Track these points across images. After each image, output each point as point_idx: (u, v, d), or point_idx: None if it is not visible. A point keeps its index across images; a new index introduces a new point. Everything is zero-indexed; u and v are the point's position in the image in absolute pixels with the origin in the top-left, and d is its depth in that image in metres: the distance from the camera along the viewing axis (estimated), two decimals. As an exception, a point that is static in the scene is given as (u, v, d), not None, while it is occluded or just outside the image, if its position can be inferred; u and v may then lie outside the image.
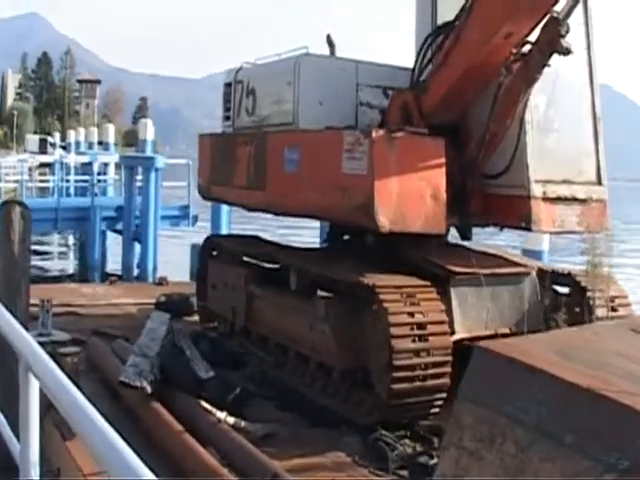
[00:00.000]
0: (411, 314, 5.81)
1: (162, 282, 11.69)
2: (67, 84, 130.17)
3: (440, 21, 7.24)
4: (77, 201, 24.35)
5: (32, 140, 68.86)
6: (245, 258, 8.20)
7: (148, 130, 27.53)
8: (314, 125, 7.24)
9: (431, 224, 6.29)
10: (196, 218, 23.04)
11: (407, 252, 6.72)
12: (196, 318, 9.55)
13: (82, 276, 21.73)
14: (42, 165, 33.62)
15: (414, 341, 5.74)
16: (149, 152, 26.01)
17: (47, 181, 30.31)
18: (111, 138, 35.97)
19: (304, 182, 6.82)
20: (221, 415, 5.34)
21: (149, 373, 5.80)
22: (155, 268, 21.32)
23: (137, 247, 21.84)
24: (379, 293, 5.82)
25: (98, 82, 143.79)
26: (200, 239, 22.26)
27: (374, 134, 6.00)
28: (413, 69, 7.16)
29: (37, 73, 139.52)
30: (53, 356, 6.08)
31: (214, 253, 8.90)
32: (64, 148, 53.66)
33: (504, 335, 6.38)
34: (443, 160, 6.33)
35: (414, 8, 7.54)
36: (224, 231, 21.58)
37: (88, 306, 9.77)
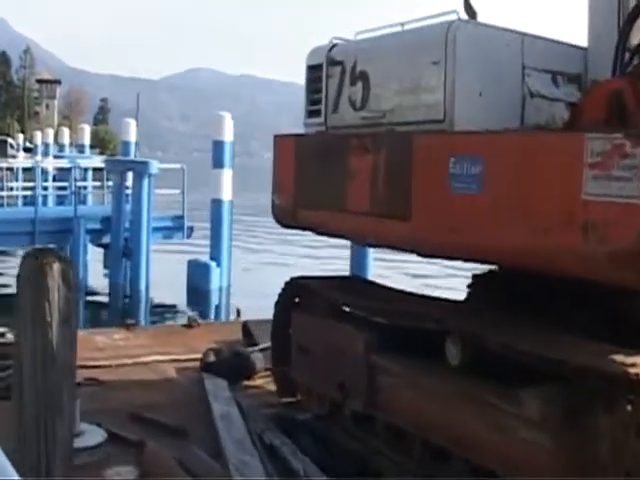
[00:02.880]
0: None
1: (192, 324, 9.14)
2: (27, 84, 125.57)
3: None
4: (57, 211, 21.50)
5: (-10, 142, 65.49)
6: (357, 311, 5.76)
7: (131, 131, 24.97)
8: (470, 123, 4.91)
9: None
10: (191, 230, 20.63)
11: (619, 308, 4.47)
12: (258, 382, 7.14)
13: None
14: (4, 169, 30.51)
15: None
16: (133, 155, 23.49)
17: (11, 189, 27.33)
18: (87, 140, 32.86)
19: (495, 211, 4.43)
20: None
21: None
22: (148, 288, 18.87)
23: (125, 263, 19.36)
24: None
25: (58, 82, 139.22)
26: (193, 255, 19.93)
27: (656, 138, 3.67)
28: (616, 48, 4.88)
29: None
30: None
31: (297, 300, 6.40)
32: (28, 150, 50.46)
33: None
34: None
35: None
36: (225, 245, 19.23)
37: (111, 367, 7.22)
